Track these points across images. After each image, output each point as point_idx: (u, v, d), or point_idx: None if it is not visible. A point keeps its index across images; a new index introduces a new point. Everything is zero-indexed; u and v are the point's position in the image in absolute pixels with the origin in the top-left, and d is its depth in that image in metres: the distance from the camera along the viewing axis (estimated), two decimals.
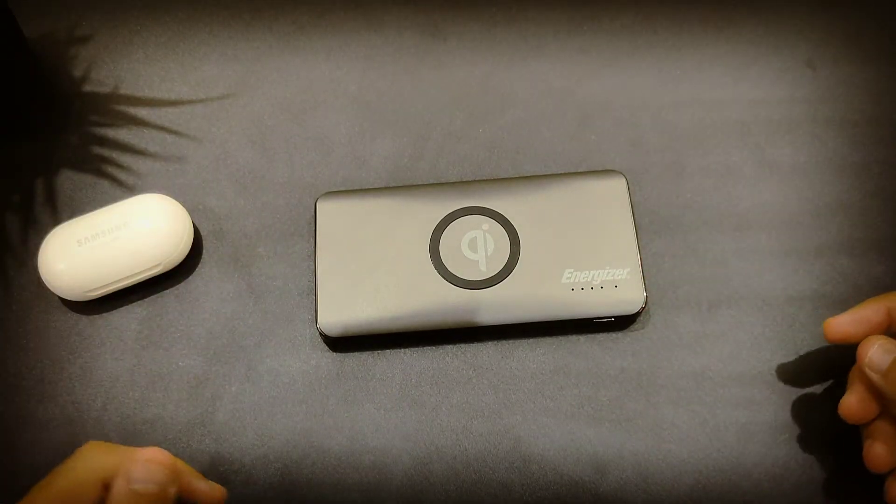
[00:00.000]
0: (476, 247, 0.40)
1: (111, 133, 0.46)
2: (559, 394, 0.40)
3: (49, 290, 0.40)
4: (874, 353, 0.34)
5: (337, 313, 0.39)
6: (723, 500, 0.38)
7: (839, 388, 0.38)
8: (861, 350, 0.35)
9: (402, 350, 0.41)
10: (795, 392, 0.39)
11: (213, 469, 0.38)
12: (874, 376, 0.34)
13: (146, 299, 0.42)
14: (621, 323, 0.40)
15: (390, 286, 0.40)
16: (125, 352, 0.41)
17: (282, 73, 0.47)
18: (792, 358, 0.40)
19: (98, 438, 0.39)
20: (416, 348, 0.41)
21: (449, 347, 0.41)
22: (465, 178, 0.44)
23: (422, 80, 0.47)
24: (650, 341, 0.40)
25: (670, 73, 0.47)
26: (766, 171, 0.44)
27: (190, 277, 0.42)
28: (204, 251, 0.43)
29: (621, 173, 0.42)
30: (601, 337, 0.41)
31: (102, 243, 0.40)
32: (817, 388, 0.39)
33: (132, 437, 0.39)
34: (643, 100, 0.46)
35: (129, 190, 0.44)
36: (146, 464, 0.31)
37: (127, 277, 0.40)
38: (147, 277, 0.41)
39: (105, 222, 0.40)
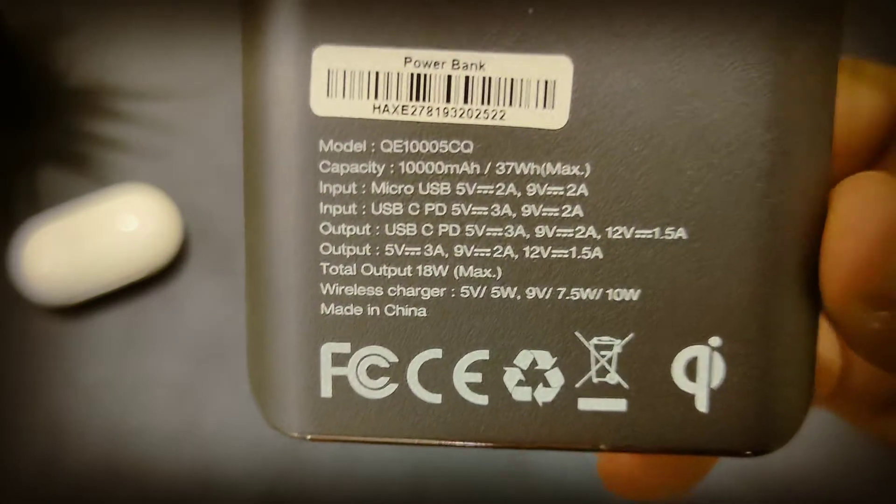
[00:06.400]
0: None
1: (95, 128, 0.44)
2: None
3: (30, 293, 0.39)
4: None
5: None
6: None
7: None
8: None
9: None
10: None
11: (200, 480, 0.38)
12: None
13: (131, 301, 0.41)
14: None
15: None
16: (109, 357, 0.40)
17: None
18: None
19: (81, 447, 0.38)
20: None
21: None
22: None
23: None
24: None
25: None
26: None
27: (177, 278, 0.41)
28: (192, 251, 0.42)
29: None
30: None
31: (86, 244, 0.39)
32: None
33: (117, 446, 0.38)
34: None
35: (114, 187, 0.43)
36: None
37: (112, 279, 0.39)
38: (133, 278, 0.40)
39: (88, 222, 0.39)
